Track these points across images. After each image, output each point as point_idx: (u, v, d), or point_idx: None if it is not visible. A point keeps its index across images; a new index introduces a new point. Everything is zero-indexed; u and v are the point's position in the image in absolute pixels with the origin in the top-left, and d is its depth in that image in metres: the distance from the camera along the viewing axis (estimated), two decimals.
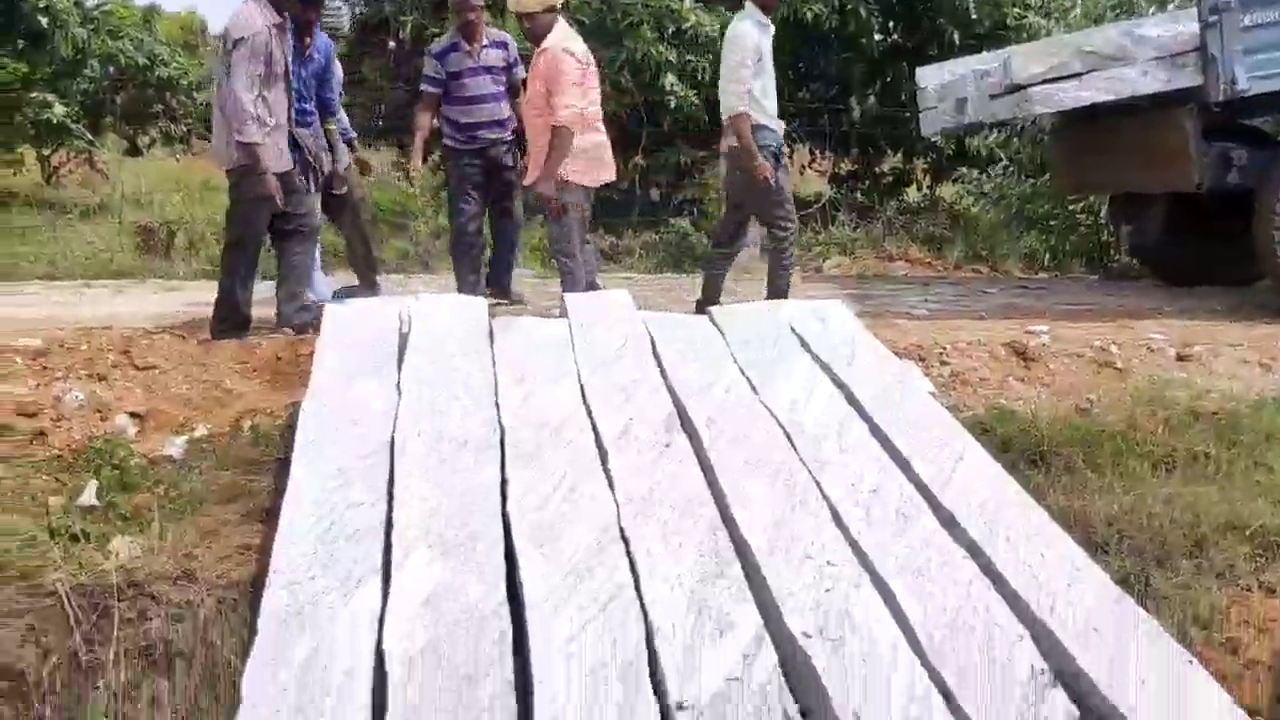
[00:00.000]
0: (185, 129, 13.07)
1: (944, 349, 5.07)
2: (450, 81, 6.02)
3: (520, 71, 6.07)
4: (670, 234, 9.13)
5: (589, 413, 3.80)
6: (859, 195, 11.08)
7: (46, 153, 11.55)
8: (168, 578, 2.99)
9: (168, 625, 2.71)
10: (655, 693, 2.52)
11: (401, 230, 8.98)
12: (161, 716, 2.45)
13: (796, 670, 2.64)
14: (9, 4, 9.88)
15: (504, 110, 6.10)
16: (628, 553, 3.02)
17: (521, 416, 3.72)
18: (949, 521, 3.26)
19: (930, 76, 7.06)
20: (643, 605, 2.80)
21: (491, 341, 4.31)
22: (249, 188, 5.07)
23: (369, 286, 6.12)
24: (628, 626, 2.71)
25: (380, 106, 10.77)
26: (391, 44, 10.63)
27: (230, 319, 5.18)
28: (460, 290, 5.77)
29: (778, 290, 5.72)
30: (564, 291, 5.21)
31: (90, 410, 4.08)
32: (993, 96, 6.47)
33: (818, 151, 11.29)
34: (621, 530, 3.12)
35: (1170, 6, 8.78)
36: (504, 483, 3.32)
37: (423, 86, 6.17)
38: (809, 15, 9.40)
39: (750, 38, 5.56)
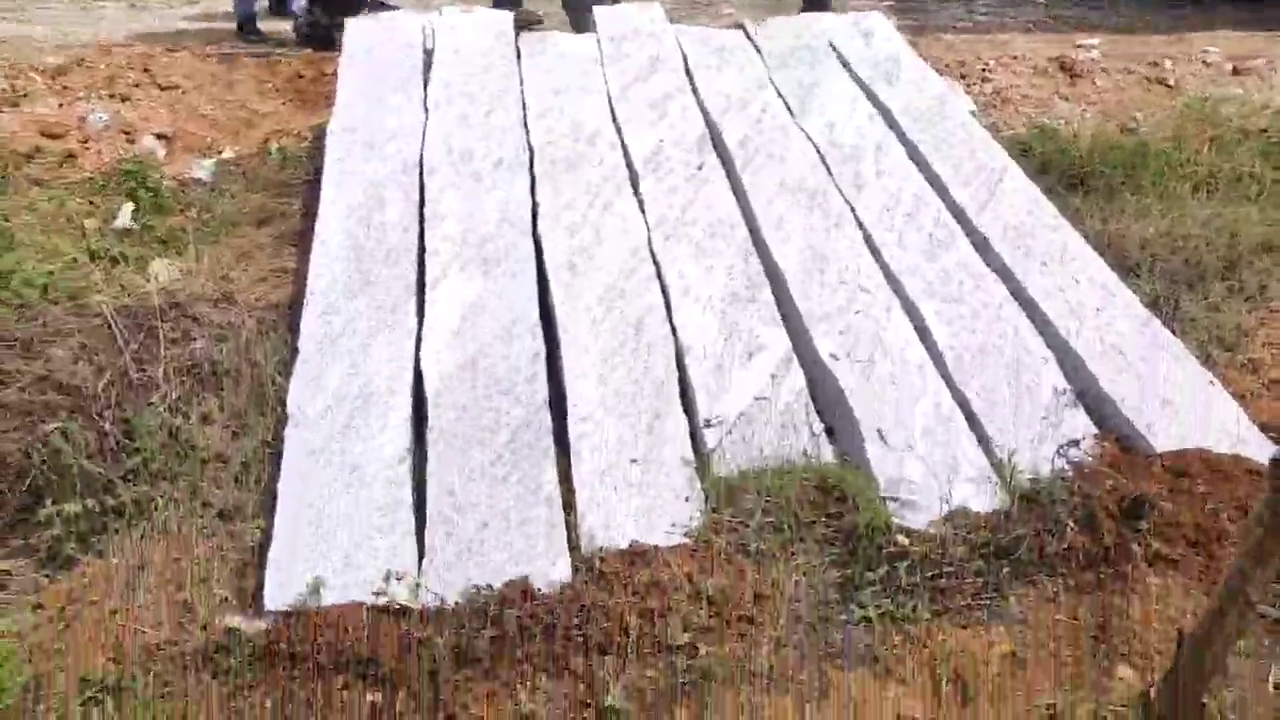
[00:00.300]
0: None
1: (987, 65, 4.85)
2: None
3: None
4: None
5: (619, 132, 3.71)
6: None
7: None
8: (208, 299, 3.05)
9: (211, 345, 2.79)
10: (685, 411, 2.61)
11: None
12: (213, 430, 2.57)
13: (824, 391, 2.72)
14: None
15: None
16: (659, 275, 3.04)
17: (551, 136, 3.64)
18: (982, 245, 3.24)
19: None
20: (673, 327, 2.85)
21: (519, 59, 4.16)
22: None
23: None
24: (658, 347, 2.77)
25: None
26: None
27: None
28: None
29: None
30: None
31: (116, 131, 4.03)
32: None
33: None
34: (653, 252, 3.13)
35: None
36: (535, 203, 3.30)
37: None
38: None
39: None
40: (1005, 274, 3.12)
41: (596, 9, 4.60)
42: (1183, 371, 2.83)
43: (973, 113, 4.31)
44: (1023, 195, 3.49)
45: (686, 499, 2.41)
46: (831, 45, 4.33)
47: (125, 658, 2.05)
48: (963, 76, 4.82)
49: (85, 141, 3.92)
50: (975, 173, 3.56)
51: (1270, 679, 2.06)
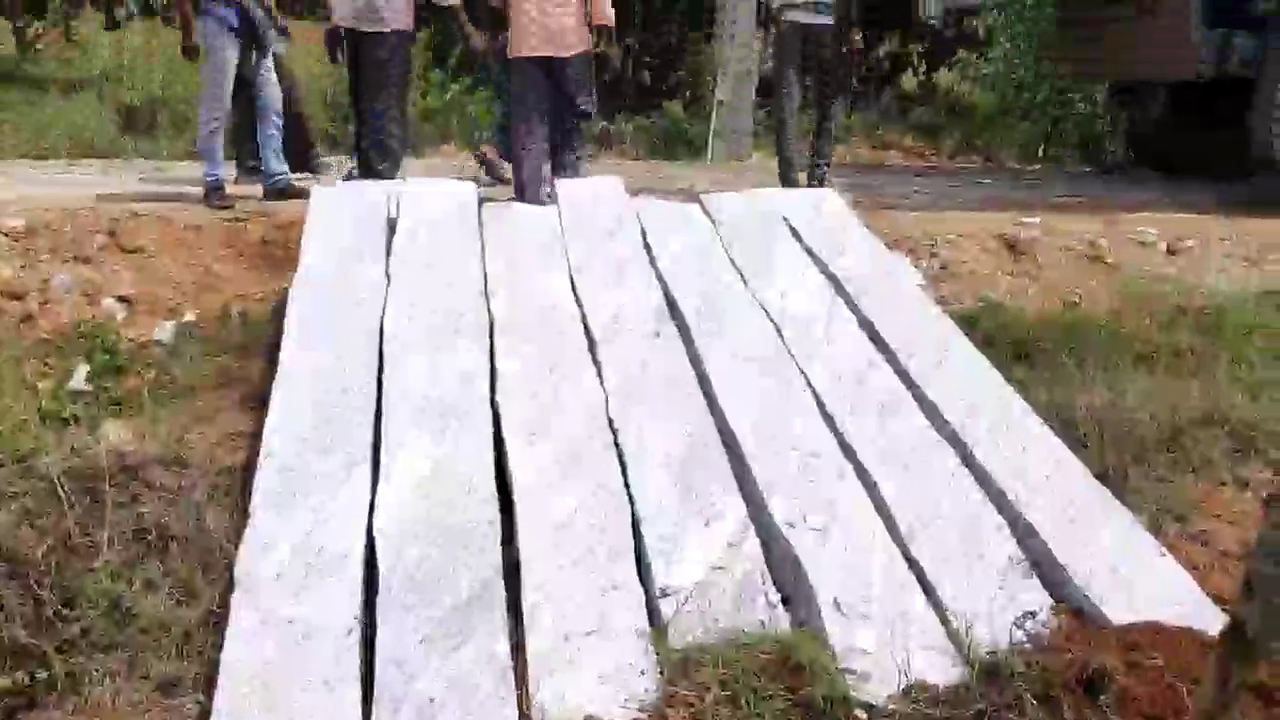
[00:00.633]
0: (164, 0, 12.64)
1: (934, 241, 5.05)
2: None
3: None
4: (662, 120, 8.97)
5: (578, 300, 3.79)
6: (854, 82, 10.86)
7: (21, 25, 11.20)
8: (160, 462, 3.02)
9: (161, 509, 2.75)
10: (641, 579, 2.59)
11: None
12: (156, 597, 2.51)
13: (779, 558, 2.71)
14: None
15: None
16: (616, 441, 3.06)
17: (511, 303, 3.71)
18: (932, 413, 3.30)
19: None
20: (630, 494, 2.85)
21: (481, 227, 4.27)
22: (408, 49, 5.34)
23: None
24: (614, 513, 2.77)
25: None
26: None
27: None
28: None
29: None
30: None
31: (78, 293, 4.06)
32: None
33: None
34: (610, 419, 3.15)
35: None
36: (494, 370, 3.34)
37: None
38: None
39: None
40: (955, 442, 3.17)
41: (559, 181, 4.77)
42: (1134, 542, 2.86)
43: (921, 285, 4.47)
44: (970, 365, 3.59)
45: (642, 671, 2.36)
46: (784, 218, 4.50)
47: None
48: (911, 251, 5.00)
49: (46, 303, 3.94)
50: (924, 343, 3.66)
51: None
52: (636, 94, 9.62)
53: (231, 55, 5.22)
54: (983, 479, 3.04)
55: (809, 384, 3.40)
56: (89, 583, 2.48)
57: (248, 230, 4.78)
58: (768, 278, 4.03)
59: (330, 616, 2.42)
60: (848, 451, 3.10)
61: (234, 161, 5.77)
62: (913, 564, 2.71)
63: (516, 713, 2.23)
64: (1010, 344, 4.11)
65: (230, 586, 2.49)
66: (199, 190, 5.24)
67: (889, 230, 5.04)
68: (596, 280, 3.92)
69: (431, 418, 3.06)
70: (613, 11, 5.19)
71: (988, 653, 2.44)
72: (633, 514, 2.78)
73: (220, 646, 2.33)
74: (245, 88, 5.48)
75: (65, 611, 2.43)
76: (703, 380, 3.39)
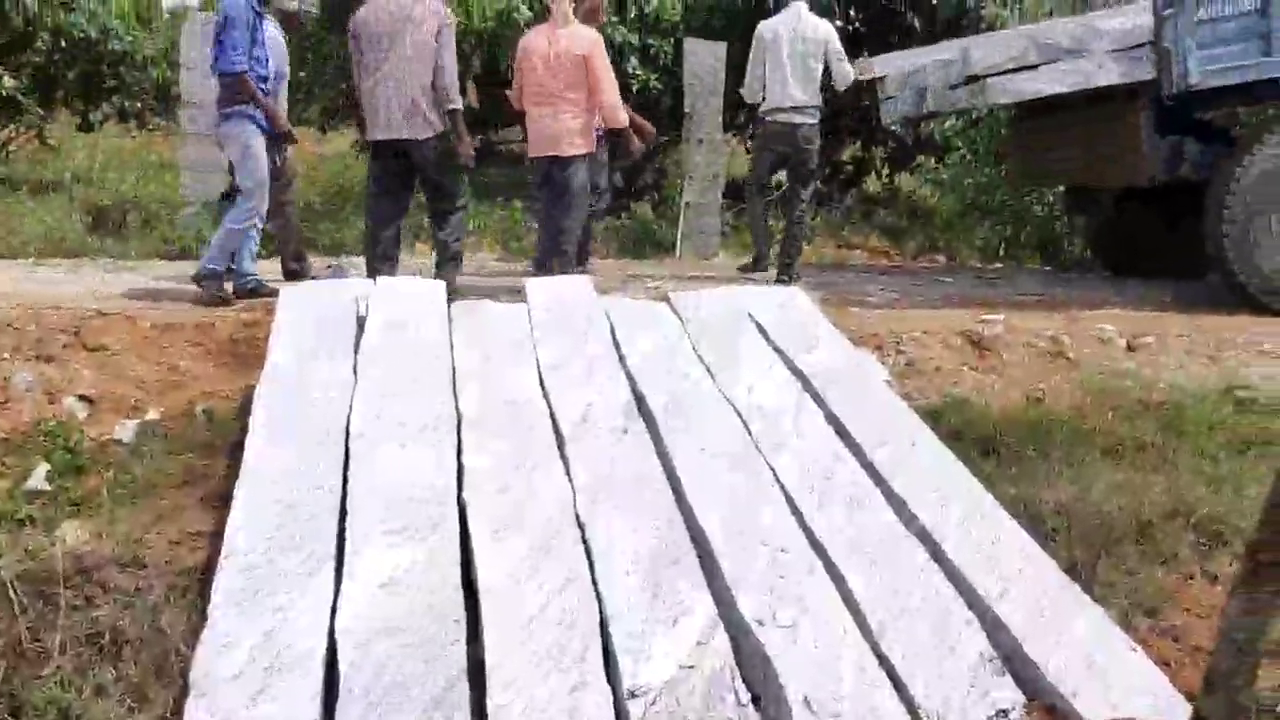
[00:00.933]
0: (139, 105, 12.81)
1: (900, 338, 5.11)
2: None
3: None
4: (631, 220, 9.12)
5: (547, 398, 3.80)
6: (819, 184, 11.12)
7: None
8: (117, 564, 2.95)
9: (116, 612, 2.68)
10: (608, 679, 2.54)
11: (361, 211, 8.88)
12: (107, 704, 2.43)
13: (749, 655, 2.67)
14: None
15: None
16: (583, 539, 3.03)
17: (479, 401, 3.71)
18: (900, 507, 3.30)
19: (889, 65, 7.11)
20: (598, 592, 2.81)
21: (450, 325, 4.29)
22: (446, 151, 5.61)
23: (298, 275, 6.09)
24: (582, 613, 2.72)
25: (345, 85, 10.64)
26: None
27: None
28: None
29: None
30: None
31: (39, 392, 4.01)
32: (951, 86, 6.52)
33: None
34: (578, 516, 3.13)
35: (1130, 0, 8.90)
36: (460, 468, 3.32)
37: None
38: (770, 1, 9.41)
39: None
40: (924, 536, 3.17)
41: (527, 280, 4.82)
42: (1106, 637, 2.84)
43: (887, 381, 4.51)
44: (938, 459, 3.61)
45: None
46: (750, 315, 4.55)
47: None
48: (877, 347, 5.06)
49: (5, 402, 3.89)
50: (891, 437, 3.68)
51: None
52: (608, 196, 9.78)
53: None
54: (952, 573, 3.03)
55: (777, 479, 3.40)
56: (37, 691, 2.40)
57: (215, 328, 4.77)
58: (735, 374, 4.06)
59: (290, 719, 2.35)
60: (816, 546, 3.09)
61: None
62: (883, 660, 2.68)
63: None
64: (976, 439, 4.13)
65: (185, 690, 2.41)
66: (167, 288, 5.26)
67: (855, 327, 5.10)
68: (566, 377, 3.93)
69: (398, 515, 3.02)
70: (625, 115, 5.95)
71: None
72: (600, 612, 2.74)
73: None
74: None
75: None
76: (671, 476, 3.38)
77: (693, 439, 3.56)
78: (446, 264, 5.76)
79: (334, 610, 2.66)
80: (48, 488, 3.41)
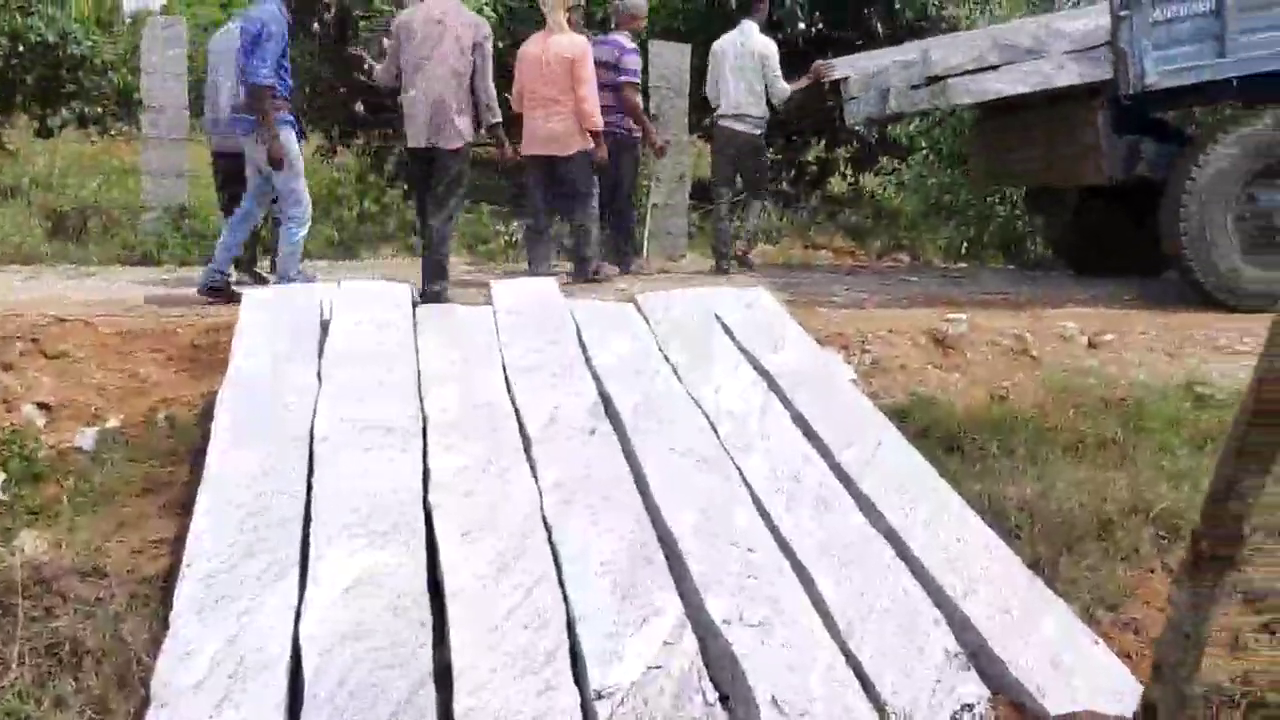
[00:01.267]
0: (100, 110, 12.64)
1: (865, 337, 5.14)
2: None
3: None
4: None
5: (514, 400, 3.79)
6: (784, 185, 11.17)
7: None
8: (77, 573, 2.91)
9: (76, 622, 2.64)
10: (576, 681, 2.54)
11: (326, 216, 8.82)
12: (68, 716, 2.39)
13: (717, 656, 2.67)
14: None
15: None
16: (551, 541, 3.02)
17: (446, 404, 3.69)
18: (868, 507, 3.32)
19: (852, 67, 7.16)
20: (565, 594, 2.81)
21: (416, 328, 4.27)
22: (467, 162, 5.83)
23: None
24: (550, 615, 2.72)
25: (308, 90, 10.57)
26: (316, 26, 10.40)
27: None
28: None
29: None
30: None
31: None
32: (914, 87, 6.56)
33: None
34: (545, 518, 3.12)
35: (1087, 2, 9.00)
36: (427, 471, 3.30)
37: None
38: (734, 3, 9.44)
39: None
40: (891, 535, 3.18)
41: (493, 283, 4.80)
42: (1070, 632, 2.87)
43: (853, 380, 4.53)
44: (904, 459, 3.63)
45: None
46: (717, 316, 4.56)
47: None
48: (843, 347, 5.08)
49: None
50: (857, 436, 3.70)
51: None
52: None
53: None
54: (919, 572, 3.05)
55: (745, 480, 3.41)
56: None
57: (178, 334, 4.72)
58: (703, 375, 4.06)
59: None
60: (785, 547, 3.10)
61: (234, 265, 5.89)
62: (851, 659, 2.69)
63: None
64: (941, 437, 4.16)
65: (147, 700, 2.38)
66: (128, 294, 5.19)
67: (821, 327, 5.13)
68: (533, 379, 3.92)
69: (362, 519, 3.00)
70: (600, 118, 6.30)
71: None
72: (569, 614, 2.74)
73: None
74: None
75: None
76: (639, 478, 3.38)
77: (661, 440, 3.56)
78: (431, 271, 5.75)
79: (298, 616, 2.64)
80: (4, 497, 3.36)
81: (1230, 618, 2.49)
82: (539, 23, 7.06)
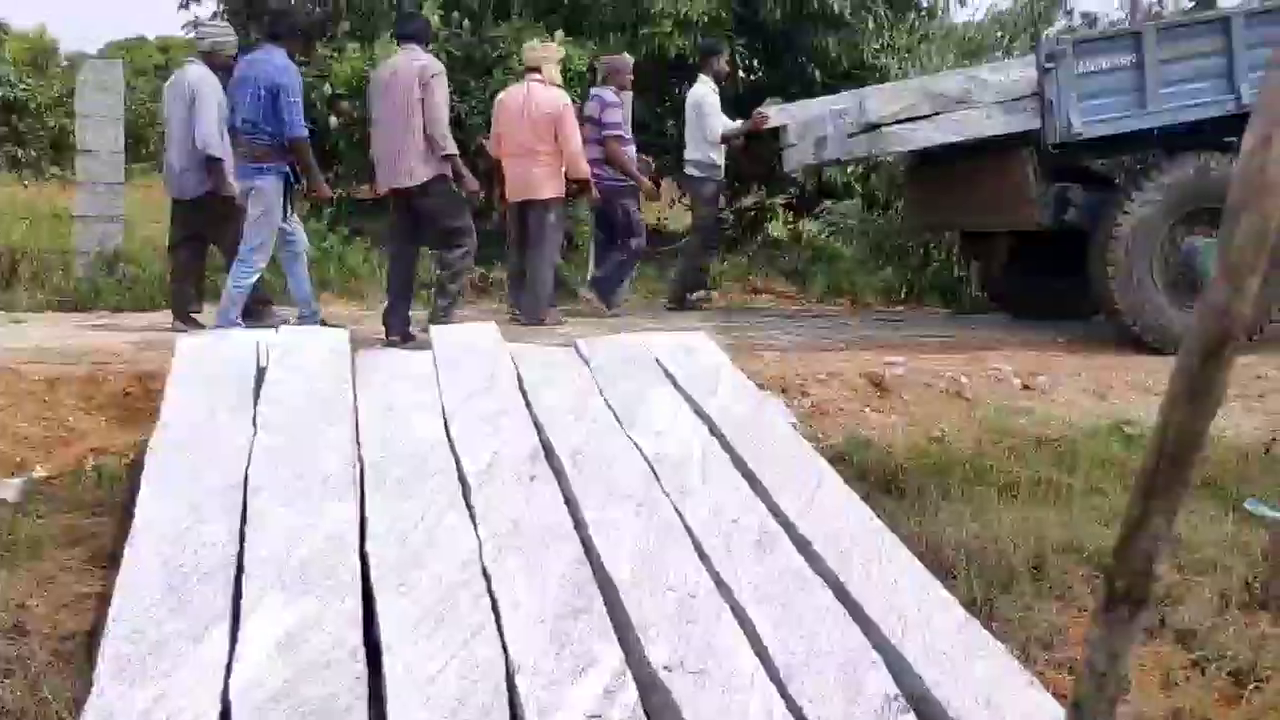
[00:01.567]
0: (34, 153, 12.44)
1: (805, 380, 5.20)
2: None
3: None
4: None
5: (452, 446, 3.75)
6: (725, 229, 11.29)
7: None
8: None
9: None
10: None
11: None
12: None
13: (658, 705, 2.65)
14: None
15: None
16: (489, 589, 2.99)
17: (383, 451, 3.65)
18: (807, 550, 3.33)
19: (789, 115, 7.31)
20: (504, 643, 2.77)
21: (354, 374, 4.22)
22: (451, 190, 6.05)
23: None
24: (487, 666, 2.68)
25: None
26: None
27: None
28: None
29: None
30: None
31: None
32: (850, 135, 6.71)
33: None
34: (483, 566, 3.08)
35: (1015, 54, 9.28)
36: (363, 520, 3.25)
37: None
38: (673, 51, 9.59)
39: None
40: (830, 577, 3.20)
41: (433, 328, 4.78)
42: (1006, 673, 2.89)
43: (793, 424, 4.57)
44: (843, 501, 3.65)
45: None
46: (657, 360, 4.58)
47: None
48: (783, 390, 5.13)
49: None
50: (796, 479, 3.72)
51: None
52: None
53: None
54: (858, 614, 3.05)
55: (685, 524, 3.40)
56: None
57: (108, 381, 4.63)
58: (642, 419, 4.07)
59: None
60: (725, 591, 3.09)
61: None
62: (791, 703, 2.68)
63: None
64: (880, 479, 4.21)
65: None
66: (58, 342, 5.09)
67: (761, 370, 5.18)
68: (471, 425, 3.90)
69: (295, 572, 2.94)
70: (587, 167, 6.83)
71: None
72: (507, 665, 2.70)
73: None
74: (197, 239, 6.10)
75: None
76: (579, 524, 3.36)
77: (600, 486, 3.55)
78: (439, 303, 6.13)
79: (228, 672, 2.57)
80: None
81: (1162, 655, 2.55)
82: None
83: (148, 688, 2.50)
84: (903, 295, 9.58)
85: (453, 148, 5.95)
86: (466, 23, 9.56)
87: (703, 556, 3.25)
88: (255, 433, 3.66)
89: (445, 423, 3.92)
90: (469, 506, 3.39)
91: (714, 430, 4.04)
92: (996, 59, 9.19)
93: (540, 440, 3.84)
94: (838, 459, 4.23)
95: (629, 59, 7.77)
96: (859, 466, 4.28)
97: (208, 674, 2.56)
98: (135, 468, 3.71)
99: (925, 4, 11.55)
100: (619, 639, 2.83)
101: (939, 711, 2.71)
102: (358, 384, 4.14)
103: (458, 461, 3.65)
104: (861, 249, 10.21)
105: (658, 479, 3.65)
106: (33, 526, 3.50)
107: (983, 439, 4.66)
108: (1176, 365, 1.17)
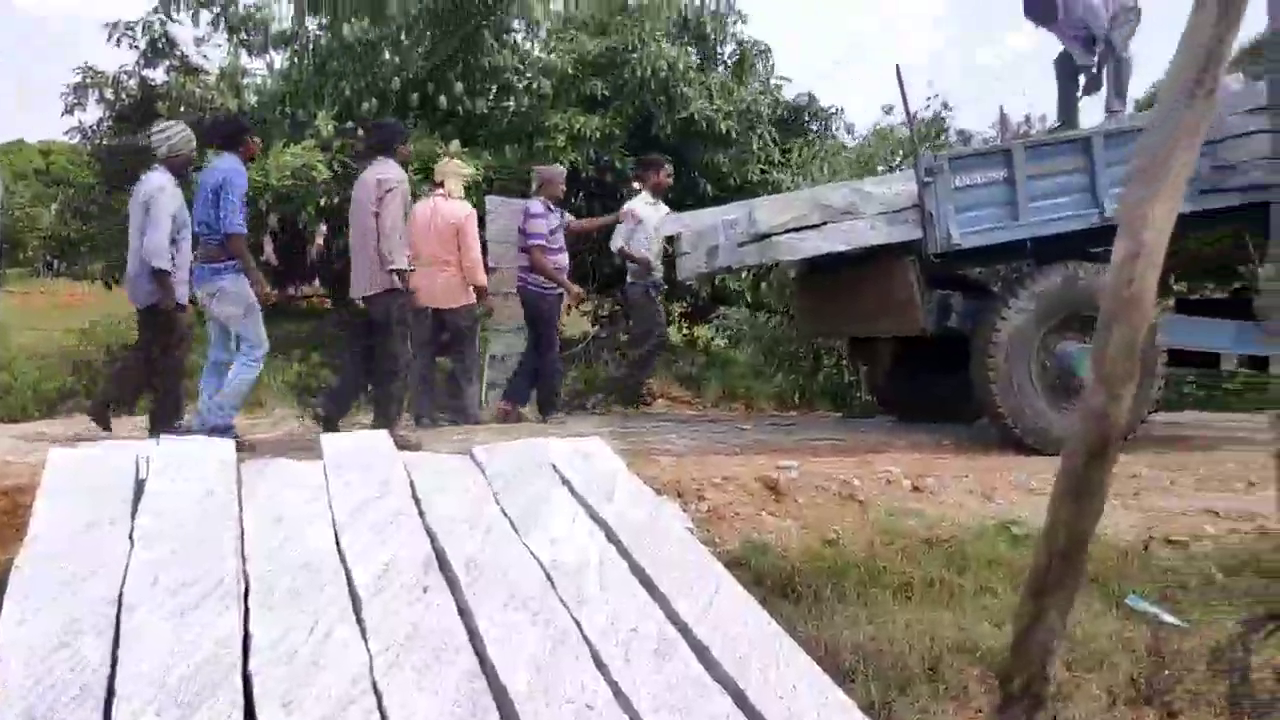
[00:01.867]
0: None
1: (701, 485, 5.22)
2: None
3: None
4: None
5: (343, 557, 3.65)
6: (621, 335, 11.42)
7: None
8: None
9: None
10: None
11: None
12: None
13: None
14: None
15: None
16: (379, 706, 2.88)
17: (270, 563, 3.52)
18: (705, 656, 3.30)
19: (682, 224, 7.49)
20: None
21: (240, 485, 4.09)
22: (398, 307, 6.28)
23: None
24: None
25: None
26: None
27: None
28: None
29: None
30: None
31: None
32: (740, 244, 6.91)
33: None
34: (374, 681, 2.98)
35: (899, 168, 9.74)
36: (247, 636, 3.12)
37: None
38: (569, 165, 9.79)
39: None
40: (728, 684, 3.17)
41: (322, 436, 4.68)
42: None
43: (689, 529, 4.57)
44: (740, 606, 3.64)
45: None
46: (553, 467, 4.55)
47: None
48: (679, 495, 5.14)
49: None
50: (694, 585, 3.71)
51: None
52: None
53: None
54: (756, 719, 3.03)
55: (582, 633, 3.35)
56: None
57: None
58: (538, 526, 4.02)
59: None
60: (623, 700, 3.04)
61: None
62: None
63: None
64: (776, 582, 4.23)
65: None
66: None
67: (657, 475, 5.19)
68: (362, 536, 3.80)
69: (172, 692, 2.79)
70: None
71: None
72: None
73: None
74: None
75: None
76: (473, 635, 3.28)
77: (496, 595, 3.49)
78: (378, 422, 6.20)
79: None
80: None
81: None
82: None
83: None
84: (795, 400, 9.78)
85: (401, 263, 6.22)
86: (361, 132, 9.63)
87: (600, 666, 3.19)
88: (132, 547, 3.51)
89: (336, 533, 3.81)
90: (359, 619, 3.28)
91: (611, 536, 4.01)
92: (881, 173, 9.62)
93: (434, 549, 3.76)
94: (735, 563, 4.24)
95: (562, 170, 8.24)
96: (756, 571, 4.29)
97: None
98: (1, 586, 3.50)
99: (815, 127, 12.09)
100: None
101: None
102: (244, 494, 4.02)
103: (348, 573, 3.55)
104: (754, 355, 10.43)
105: (554, 587, 3.60)
106: None
107: (875, 541, 4.73)
108: (1061, 467, 1.22)
